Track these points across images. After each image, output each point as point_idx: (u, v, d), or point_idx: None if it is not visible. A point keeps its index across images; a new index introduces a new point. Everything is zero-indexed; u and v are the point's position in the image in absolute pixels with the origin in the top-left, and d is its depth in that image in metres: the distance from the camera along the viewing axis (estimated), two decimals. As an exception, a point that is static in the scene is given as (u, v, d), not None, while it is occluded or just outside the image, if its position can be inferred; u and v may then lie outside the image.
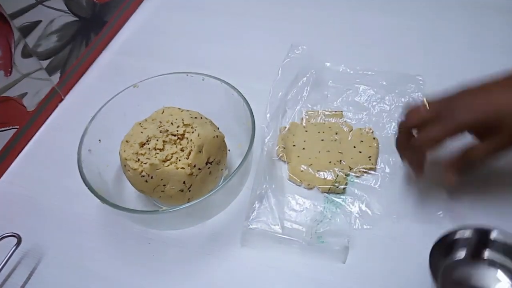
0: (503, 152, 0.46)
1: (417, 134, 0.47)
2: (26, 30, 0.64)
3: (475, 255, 0.45)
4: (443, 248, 0.44)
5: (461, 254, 0.45)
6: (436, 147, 0.46)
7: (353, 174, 0.56)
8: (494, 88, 0.46)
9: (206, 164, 0.51)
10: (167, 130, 0.51)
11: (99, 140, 0.55)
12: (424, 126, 0.46)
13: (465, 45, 0.70)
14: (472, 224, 0.45)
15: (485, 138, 0.46)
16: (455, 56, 0.68)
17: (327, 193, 0.55)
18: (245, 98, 0.55)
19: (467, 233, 0.45)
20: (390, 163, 0.56)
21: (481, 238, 0.45)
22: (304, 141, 0.60)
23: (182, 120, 0.52)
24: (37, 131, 0.70)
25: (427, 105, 0.47)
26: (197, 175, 0.50)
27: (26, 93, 0.66)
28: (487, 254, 0.45)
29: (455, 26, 0.73)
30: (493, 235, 0.44)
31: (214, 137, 0.51)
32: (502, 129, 0.45)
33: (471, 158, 0.47)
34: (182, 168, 0.49)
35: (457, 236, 0.45)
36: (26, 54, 0.65)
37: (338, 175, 0.55)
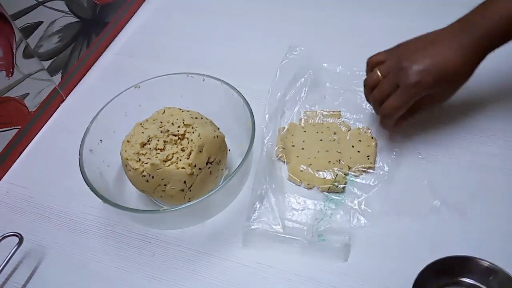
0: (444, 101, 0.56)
1: (382, 105, 0.55)
2: (28, 31, 0.65)
3: (457, 283, 0.46)
4: (427, 276, 0.44)
5: (444, 281, 0.46)
6: (401, 113, 0.54)
7: (352, 173, 0.56)
8: (439, 45, 0.52)
9: (207, 164, 0.51)
10: (168, 130, 0.51)
11: (101, 140, 0.56)
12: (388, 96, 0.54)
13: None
14: (454, 255, 0.46)
15: (433, 94, 0.53)
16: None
17: (326, 192, 0.55)
18: (245, 99, 0.55)
19: (449, 262, 0.45)
20: (389, 161, 0.57)
21: (464, 266, 0.45)
22: (303, 141, 0.61)
23: (183, 120, 0.52)
24: (38, 131, 0.70)
25: (380, 75, 0.55)
26: (197, 175, 0.50)
27: (27, 94, 0.67)
28: (469, 281, 0.45)
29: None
30: (476, 263, 0.45)
31: (214, 137, 0.52)
32: (453, 83, 0.52)
33: (421, 109, 0.56)
34: (183, 168, 0.49)
35: (440, 265, 0.45)
36: (28, 55, 0.66)
37: (337, 174, 0.56)
